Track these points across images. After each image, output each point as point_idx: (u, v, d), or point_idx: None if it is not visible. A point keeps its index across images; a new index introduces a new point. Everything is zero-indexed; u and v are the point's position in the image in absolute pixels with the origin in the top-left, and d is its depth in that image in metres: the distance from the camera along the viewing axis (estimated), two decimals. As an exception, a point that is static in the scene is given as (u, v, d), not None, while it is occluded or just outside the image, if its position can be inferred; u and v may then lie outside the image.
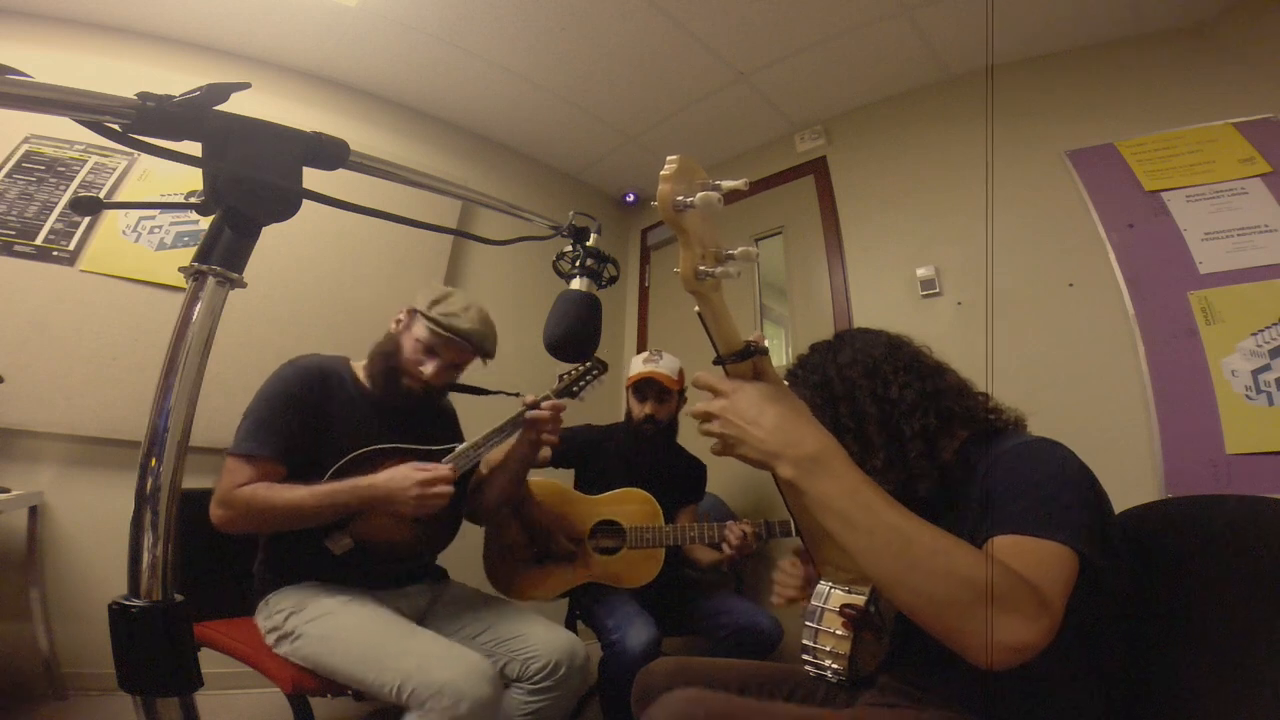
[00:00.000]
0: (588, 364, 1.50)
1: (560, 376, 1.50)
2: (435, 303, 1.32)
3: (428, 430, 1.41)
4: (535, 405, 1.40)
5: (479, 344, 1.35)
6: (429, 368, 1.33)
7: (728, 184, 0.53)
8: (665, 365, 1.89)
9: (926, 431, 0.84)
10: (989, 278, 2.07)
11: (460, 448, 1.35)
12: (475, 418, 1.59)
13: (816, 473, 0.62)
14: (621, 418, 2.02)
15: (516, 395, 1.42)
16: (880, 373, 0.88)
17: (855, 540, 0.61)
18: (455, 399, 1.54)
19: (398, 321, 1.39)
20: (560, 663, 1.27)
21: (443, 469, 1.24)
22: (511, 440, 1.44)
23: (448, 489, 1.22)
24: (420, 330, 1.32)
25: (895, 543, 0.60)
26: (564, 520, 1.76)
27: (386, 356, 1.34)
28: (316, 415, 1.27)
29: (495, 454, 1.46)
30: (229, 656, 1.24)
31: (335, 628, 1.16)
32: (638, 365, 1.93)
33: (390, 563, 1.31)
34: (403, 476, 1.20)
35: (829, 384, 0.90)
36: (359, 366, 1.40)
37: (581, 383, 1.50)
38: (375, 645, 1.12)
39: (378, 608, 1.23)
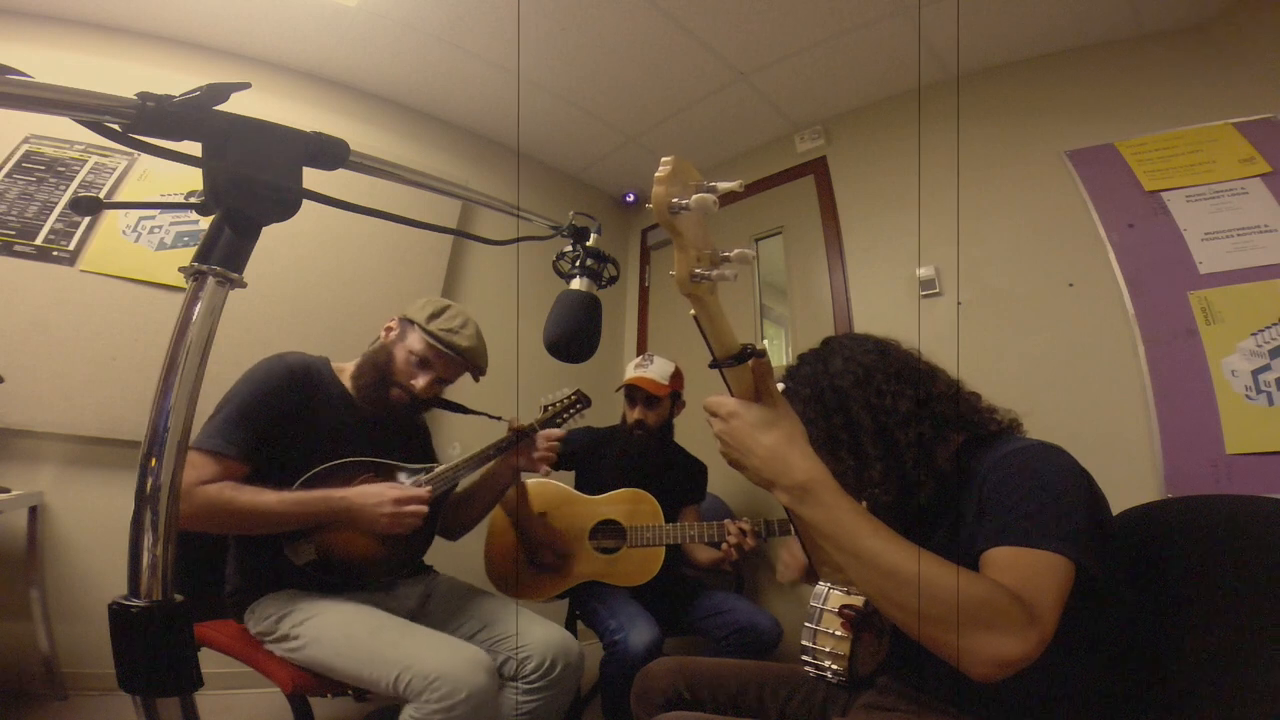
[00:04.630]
0: (573, 397, 1.51)
1: (544, 407, 1.50)
2: (434, 316, 1.30)
3: (402, 445, 1.40)
4: (521, 431, 1.41)
5: (474, 362, 1.35)
6: (420, 381, 1.32)
7: (723, 186, 0.53)
8: (653, 370, 1.88)
9: (922, 439, 0.83)
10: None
11: (439, 469, 1.33)
12: (458, 433, 1.59)
13: (806, 501, 0.65)
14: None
15: (499, 419, 1.42)
16: (872, 381, 0.87)
17: (843, 560, 0.65)
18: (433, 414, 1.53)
19: (389, 330, 1.37)
20: (555, 661, 1.26)
21: (418, 490, 1.24)
22: (490, 465, 1.43)
23: (421, 509, 1.22)
24: (415, 343, 1.30)
25: (880, 568, 0.62)
26: (552, 533, 1.75)
27: (378, 366, 1.32)
28: (294, 416, 1.24)
29: (473, 474, 1.45)
30: (229, 656, 1.24)
31: (328, 626, 1.15)
32: (629, 370, 1.93)
33: (352, 576, 1.27)
34: (377, 494, 1.19)
35: (821, 396, 0.89)
36: (340, 369, 1.38)
37: (565, 415, 1.50)
38: (370, 640, 1.12)
39: (368, 604, 1.23)
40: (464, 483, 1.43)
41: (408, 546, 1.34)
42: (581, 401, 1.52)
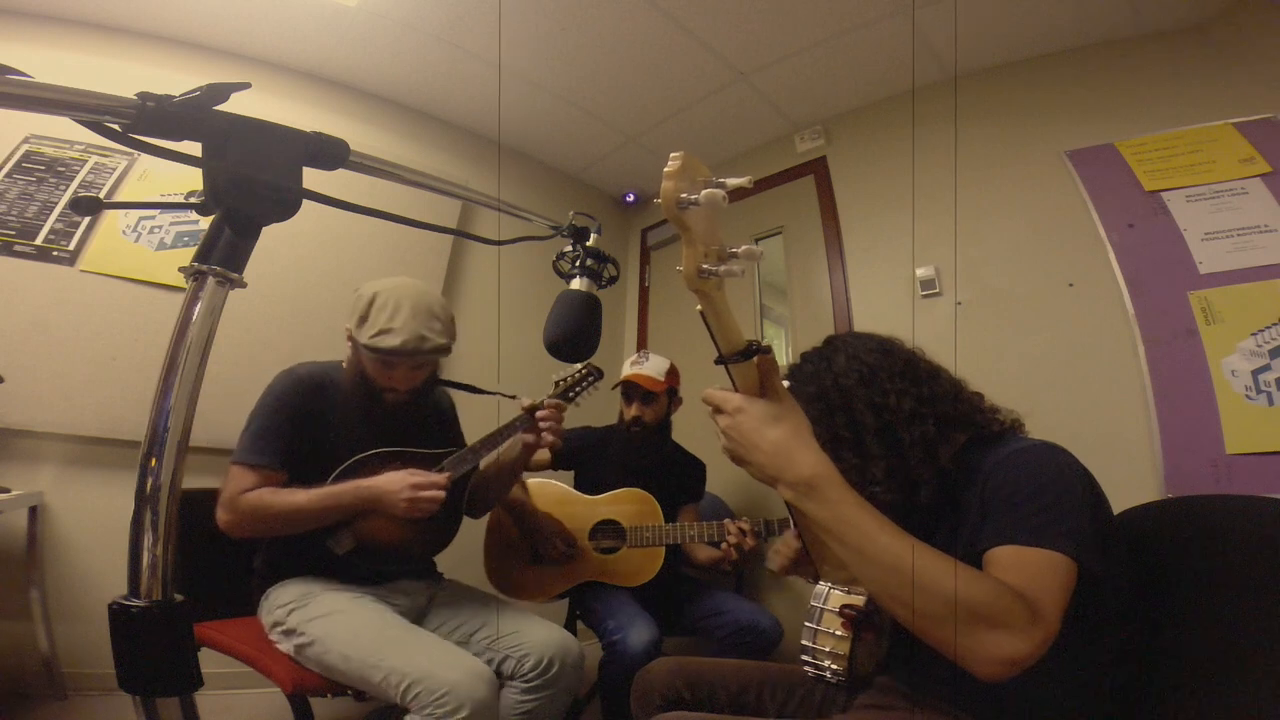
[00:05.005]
0: (584, 370, 1.50)
1: (556, 382, 1.50)
2: (362, 321, 1.24)
3: (426, 431, 1.42)
4: (535, 408, 1.41)
5: (419, 352, 1.23)
6: (398, 380, 1.30)
7: (732, 182, 0.53)
8: (649, 367, 1.88)
9: (925, 438, 0.83)
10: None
11: (458, 452, 1.36)
12: (470, 414, 1.59)
13: (811, 496, 0.64)
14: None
15: (513, 398, 1.42)
16: (876, 380, 0.87)
17: (848, 557, 0.64)
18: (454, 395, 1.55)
19: (349, 344, 1.33)
20: (554, 660, 1.27)
21: (436, 476, 1.27)
22: (508, 443, 1.44)
23: (438, 494, 1.25)
24: (366, 353, 1.26)
25: (884, 563, 0.62)
26: (559, 524, 1.75)
27: (359, 382, 1.33)
28: (313, 423, 1.29)
29: (493, 454, 1.46)
30: (229, 656, 1.24)
31: (337, 628, 1.16)
32: (625, 368, 1.93)
33: (390, 562, 1.34)
34: (398, 480, 1.24)
35: (825, 395, 0.89)
36: None
37: (578, 388, 1.50)
38: (377, 646, 1.13)
39: (378, 606, 1.24)
40: (484, 462, 1.45)
41: (437, 529, 1.38)
42: (594, 374, 1.51)
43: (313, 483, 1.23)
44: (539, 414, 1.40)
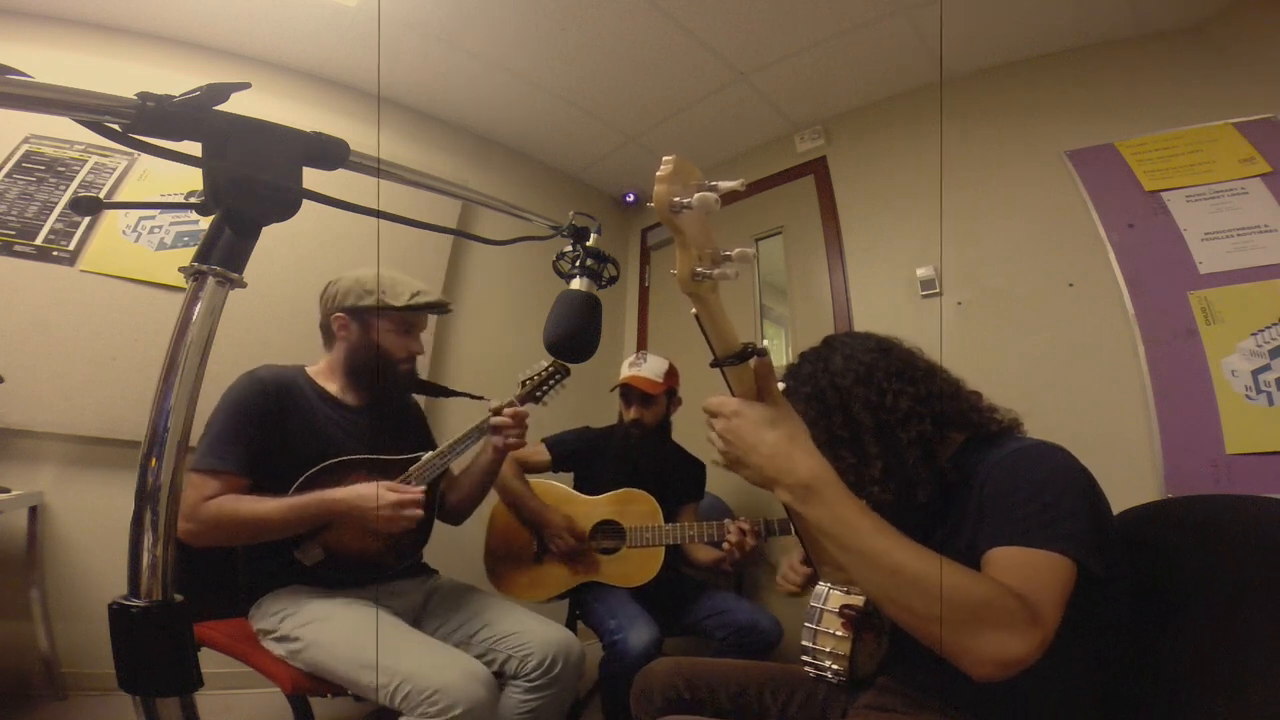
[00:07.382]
0: (550, 368, 1.49)
1: (523, 382, 1.48)
2: (383, 295, 1.33)
3: (394, 434, 1.40)
4: (499, 412, 1.39)
5: (446, 306, 1.46)
6: (415, 344, 1.40)
7: (725, 185, 0.53)
8: (647, 369, 1.87)
9: (923, 438, 0.83)
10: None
11: (426, 458, 1.34)
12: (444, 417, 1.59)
13: (809, 499, 0.64)
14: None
15: (481, 399, 1.42)
16: (873, 380, 0.87)
17: (845, 559, 0.64)
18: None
19: (344, 328, 1.35)
20: (556, 658, 1.27)
21: (414, 492, 1.24)
22: (478, 446, 1.43)
23: (417, 512, 1.22)
24: (397, 322, 1.36)
25: (882, 566, 0.62)
26: (568, 517, 1.75)
27: (372, 366, 1.33)
28: (276, 426, 1.26)
29: (464, 458, 1.45)
30: (229, 656, 1.24)
31: (329, 632, 1.16)
32: (623, 369, 1.92)
33: (362, 571, 1.30)
34: (372, 495, 1.20)
35: (822, 395, 0.89)
36: (315, 372, 1.39)
37: (544, 387, 1.48)
38: (369, 649, 1.12)
39: (371, 609, 1.23)
40: (455, 466, 1.45)
41: (410, 539, 1.36)
42: (560, 372, 1.50)
43: (274, 488, 1.20)
44: (494, 422, 1.38)
